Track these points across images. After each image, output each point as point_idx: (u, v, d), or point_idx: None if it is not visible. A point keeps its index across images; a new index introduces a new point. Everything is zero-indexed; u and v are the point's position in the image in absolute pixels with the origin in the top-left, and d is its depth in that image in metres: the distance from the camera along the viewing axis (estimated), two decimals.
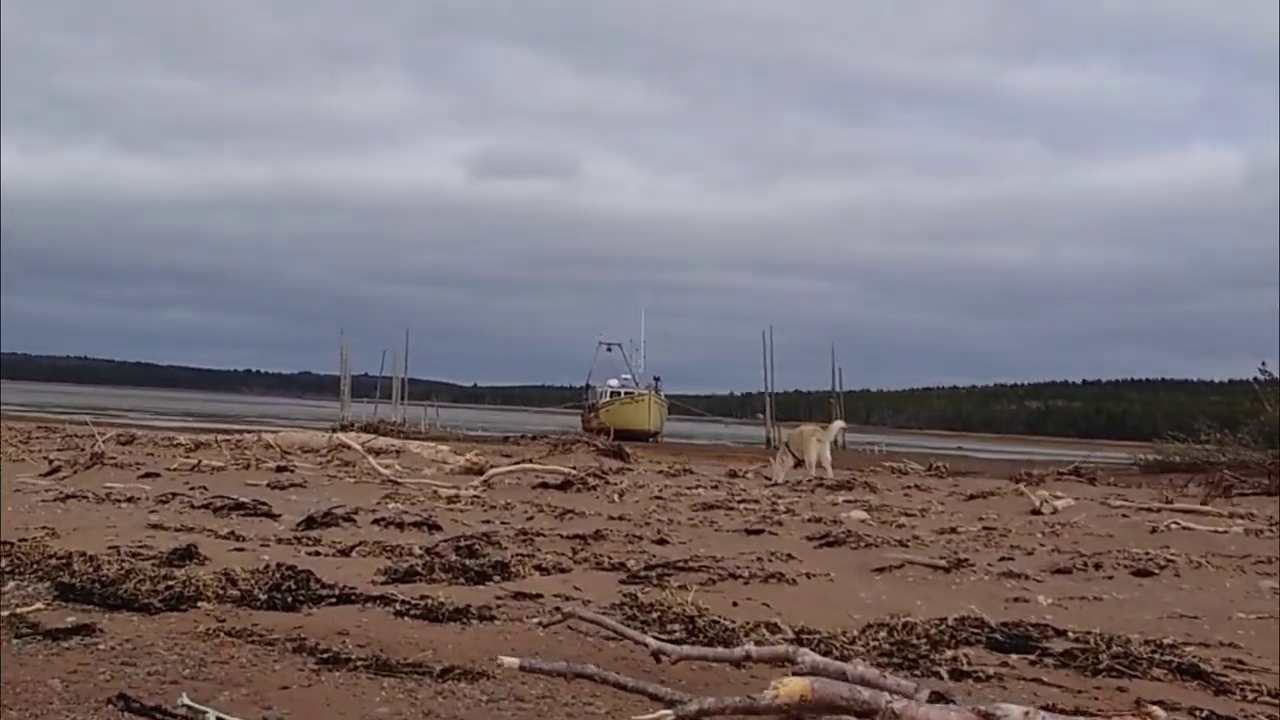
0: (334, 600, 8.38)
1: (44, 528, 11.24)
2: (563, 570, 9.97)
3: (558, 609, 7.69)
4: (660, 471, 23.57)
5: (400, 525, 12.35)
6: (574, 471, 16.70)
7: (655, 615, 8.18)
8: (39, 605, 7.84)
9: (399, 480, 16.62)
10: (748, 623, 7.87)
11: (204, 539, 11.08)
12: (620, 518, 13.54)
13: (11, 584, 8.39)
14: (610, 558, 10.56)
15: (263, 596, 8.30)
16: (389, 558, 10.37)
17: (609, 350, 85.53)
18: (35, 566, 8.81)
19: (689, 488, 18.57)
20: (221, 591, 8.33)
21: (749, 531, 12.76)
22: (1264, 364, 56.88)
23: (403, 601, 8.27)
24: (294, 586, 8.74)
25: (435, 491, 15.33)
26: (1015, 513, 15.80)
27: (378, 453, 22.06)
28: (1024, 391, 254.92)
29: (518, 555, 10.22)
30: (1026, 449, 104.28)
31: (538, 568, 9.88)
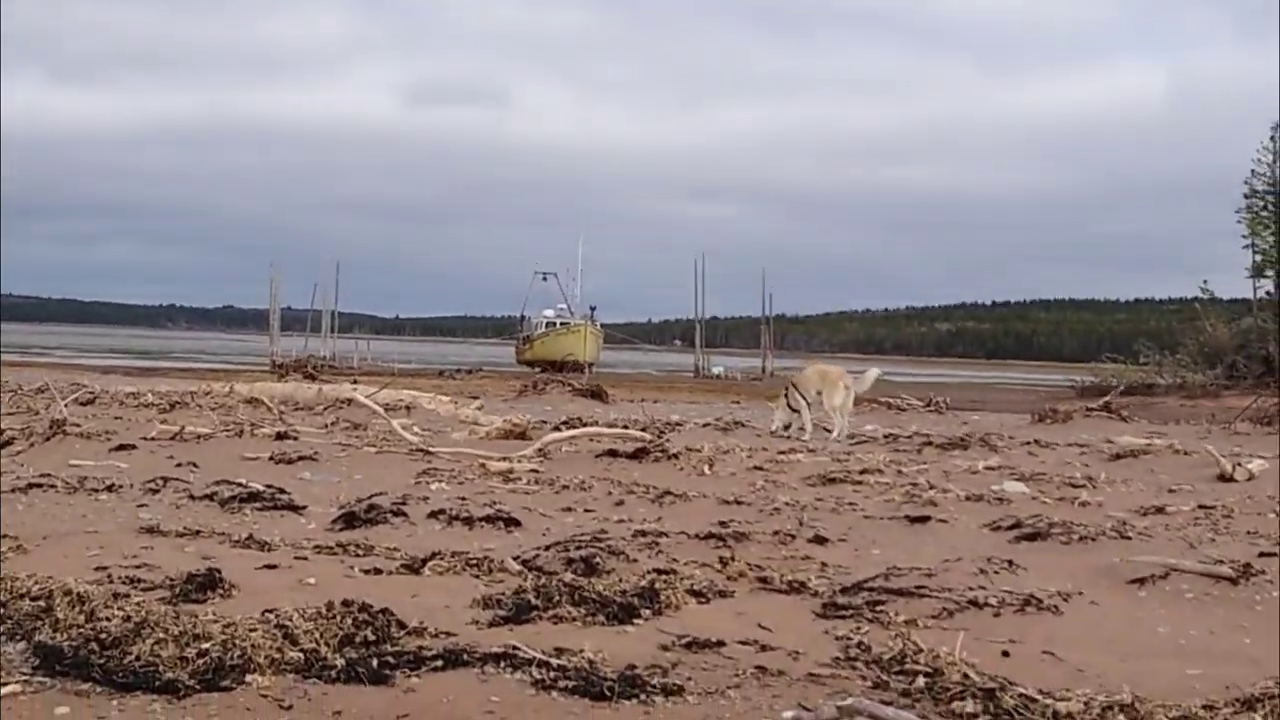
0: (437, 660, 6.06)
1: (4, 536, 8.87)
2: (723, 594, 7.65)
3: (753, 669, 5.42)
4: (708, 425, 21.20)
5: (467, 520, 10.00)
6: (645, 436, 14.36)
7: (915, 681, 5.93)
8: (13, 686, 5.55)
9: (430, 449, 14.26)
10: (1067, 694, 5.59)
11: (220, 550, 8.75)
12: (736, 501, 11.22)
13: None
14: (774, 571, 8.25)
15: (337, 661, 5.97)
16: (477, 576, 8.06)
17: (544, 280, 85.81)
18: (0, 614, 6.44)
19: (759, 448, 16.26)
20: (277, 654, 6.00)
21: (910, 519, 10.47)
22: (1205, 282, 58.20)
23: (540, 664, 5.98)
24: (372, 637, 6.43)
25: (483, 465, 12.98)
26: (1196, 478, 13.58)
27: (385, 408, 19.66)
28: (935, 314, 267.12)
29: (655, 573, 7.89)
30: (937, 371, 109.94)
31: (692, 592, 7.56)
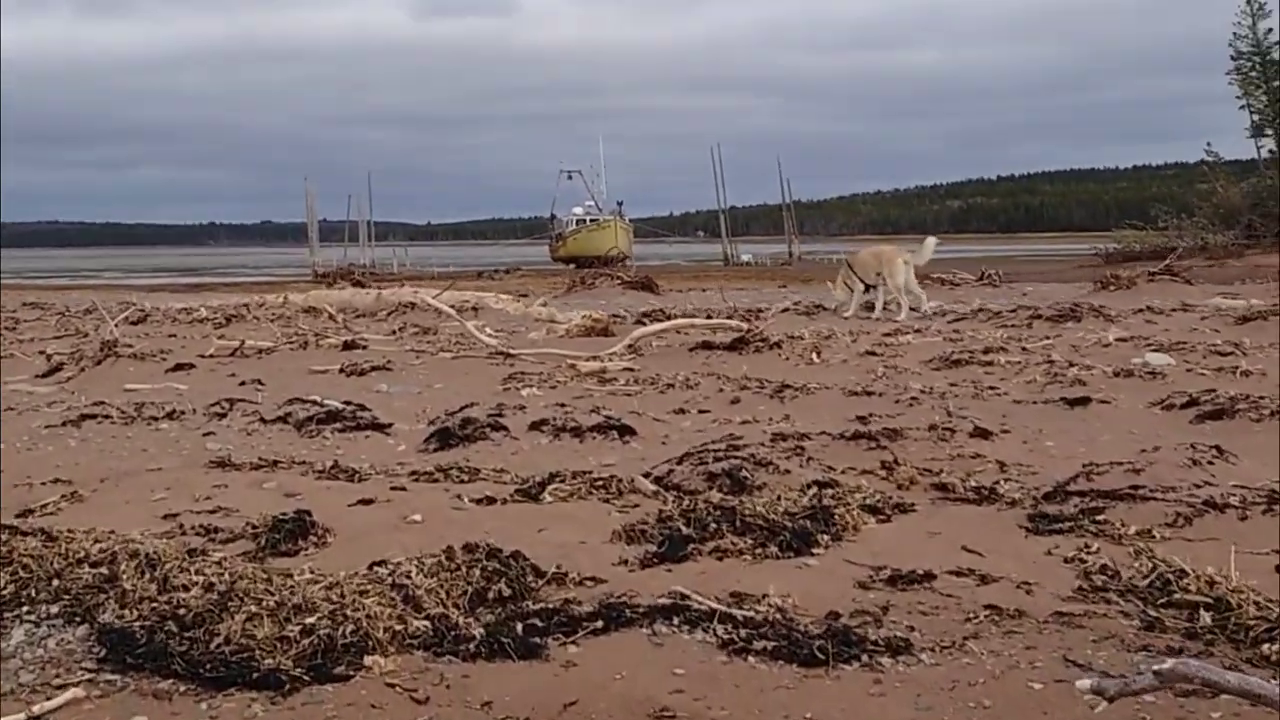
0: (594, 620, 4.77)
1: (57, 480, 7.63)
2: (901, 508, 6.31)
3: (984, 610, 4.16)
4: (786, 311, 19.75)
5: (575, 431, 8.67)
6: (740, 325, 12.93)
7: (1198, 617, 4.62)
8: (75, 691, 4.32)
9: (511, 351, 12.94)
10: None
11: (304, 484, 7.46)
12: (864, 391, 9.86)
13: (20, 632, 4.81)
14: (948, 474, 6.91)
15: (473, 629, 4.69)
16: (607, 500, 6.75)
17: (570, 178, 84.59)
18: (54, 585, 5.17)
19: (861, 331, 14.87)
20: (399, 625, 4.72)
21: (1068, 402, 9.08)
22: (1209, 144, 58.23)
23: (723, 618, 4.68)
24: (507, 591, 5.15)
25: (572, 366, 11.64)
26: None
27: (451, 309, 18.34)
28: (944, 191, 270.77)
29: (816, 486, 6.55)
30: (957, 247, 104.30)
31: (867, 509, 6.22)
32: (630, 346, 12.51)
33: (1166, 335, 13.45)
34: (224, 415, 9.82)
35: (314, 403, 9.77)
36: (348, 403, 9.93)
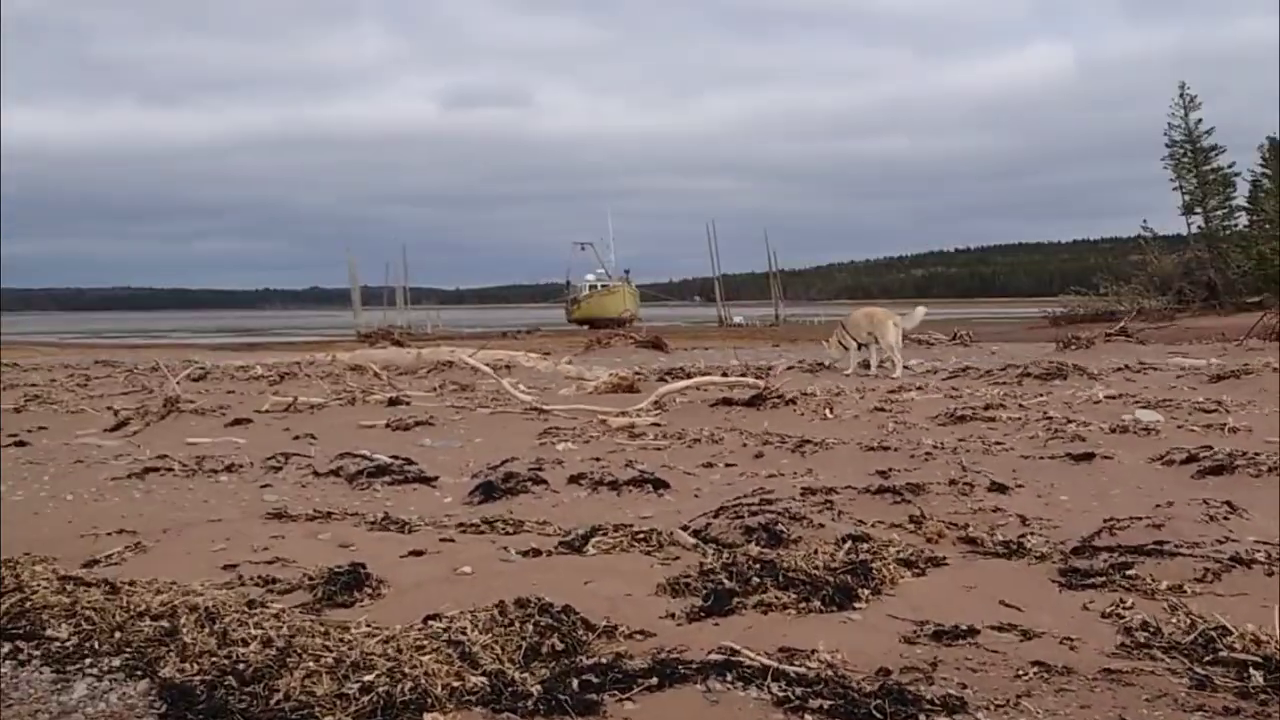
0: (649, 676, 4.33)
1: (122, 530, 7.20)
2: (935, 562, 5.86)
3: (1032, 666, 3.72)
4: (792, 368, 19.35)
5: (613, 485, 8.22)
6: (758, 383, 12.53)
7: (1249, 677, 4.17)
8: None
9: (545, 407, 12.52)
10: None
11: (357, 535, 7.01)
12: (880, 446, 9.39)
13: (83, 686, 4.39)
14: (974, 529, 6.46)
15: (530, 685, 4.26)
16: (649, 553, 6.30)
17: (582, 249, 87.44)
18: (117, 637, 4.76)
19: (866, 389, 14.44)
20: (456, 681, 4.29)
21: (1073, 458, 8.62)
22: (1145, 221, 61.38)
23: (776, 674, 4.25)
24: (560, 646, 4.71)
25: (603, 421, 11.22)
26: None
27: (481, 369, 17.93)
28: (909, 261, 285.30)
29: (850, 540, 6.11)
30: (927, 310, 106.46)
31: (903, 563, 5.77)
32: (656, 402, 12.09)
33: (1148, 392, 13.00)
34: (279, 468, 9.39)
35: (364, 457, 9.35)
36: (395, 457, 9.51)
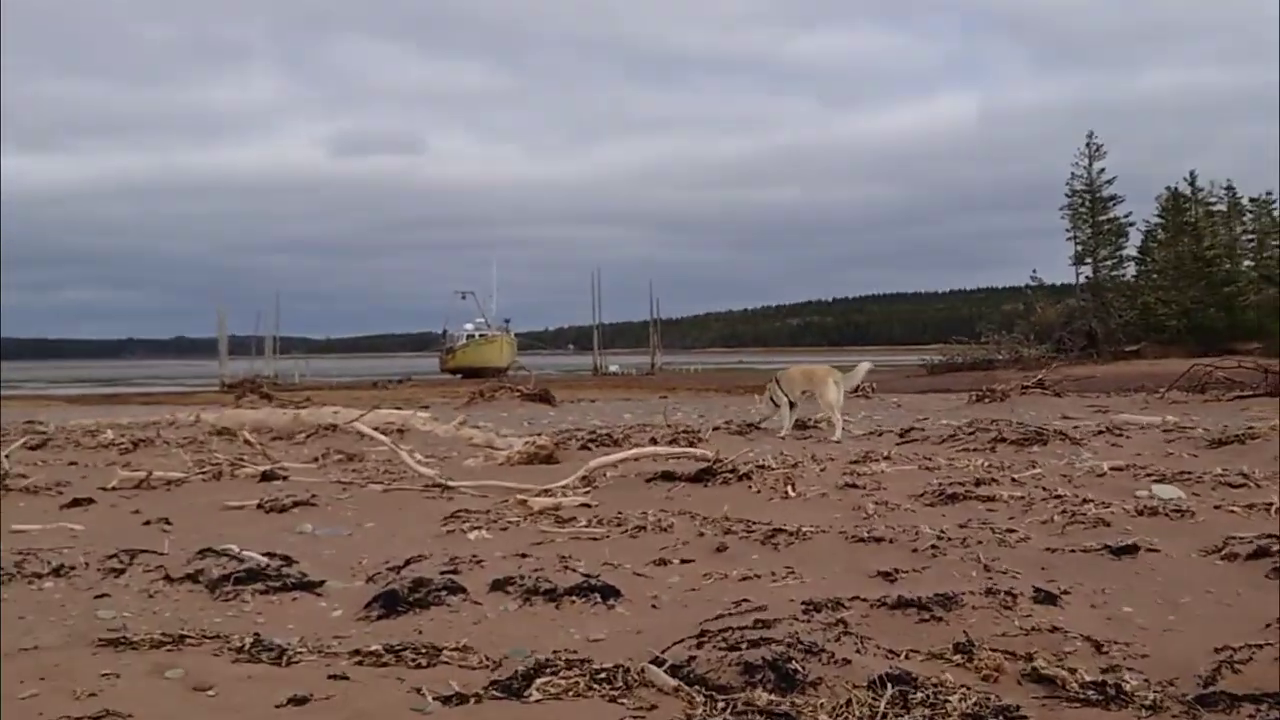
0: None
1: None
2: (1007, 713, 4.57)
3: None
4: (717, 430, 18.02)
5: (550, 594, 6.79)
6: (706, 454, 11.17)
7: None
8: None
9: (449, 484, 11.05)
10: None
11: (217, 669, 5.53)
12: (871, 538, 8.03)
13: None
14: (1032, 656, 5.18)
15: None
16: (615, 699, 4.91)
17: (464, 298, 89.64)
18: None
19: (823, 457, 13.18)
20: None
21: (1113, 551, 7.40)
22: (1034, 271, 65.28)
23: None
24: None
25: (523, 502, 9.79)
26: None
27: (376, 432, 16.34)
28: (786, 311, 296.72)
29: (889, 682, 4.79)
30: (793, 359, 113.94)
31: (969, 717, 4.46)
32: (585, 478, 10.69)
33: (1142, 459, 11.92)
34: (122, 570, 7.75)
35: (230, 555, 7.80)
36: (270, 554, 7.98)
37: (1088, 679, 4.85)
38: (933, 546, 7.60)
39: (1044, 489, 9.90)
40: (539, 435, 13.27)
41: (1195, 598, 6.35)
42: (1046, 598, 6.20)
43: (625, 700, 4.92)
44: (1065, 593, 6.41)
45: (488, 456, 12.88)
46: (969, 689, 4.79)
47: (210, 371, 68.52)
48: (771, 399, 17.72)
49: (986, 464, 11.42)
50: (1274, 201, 65.56)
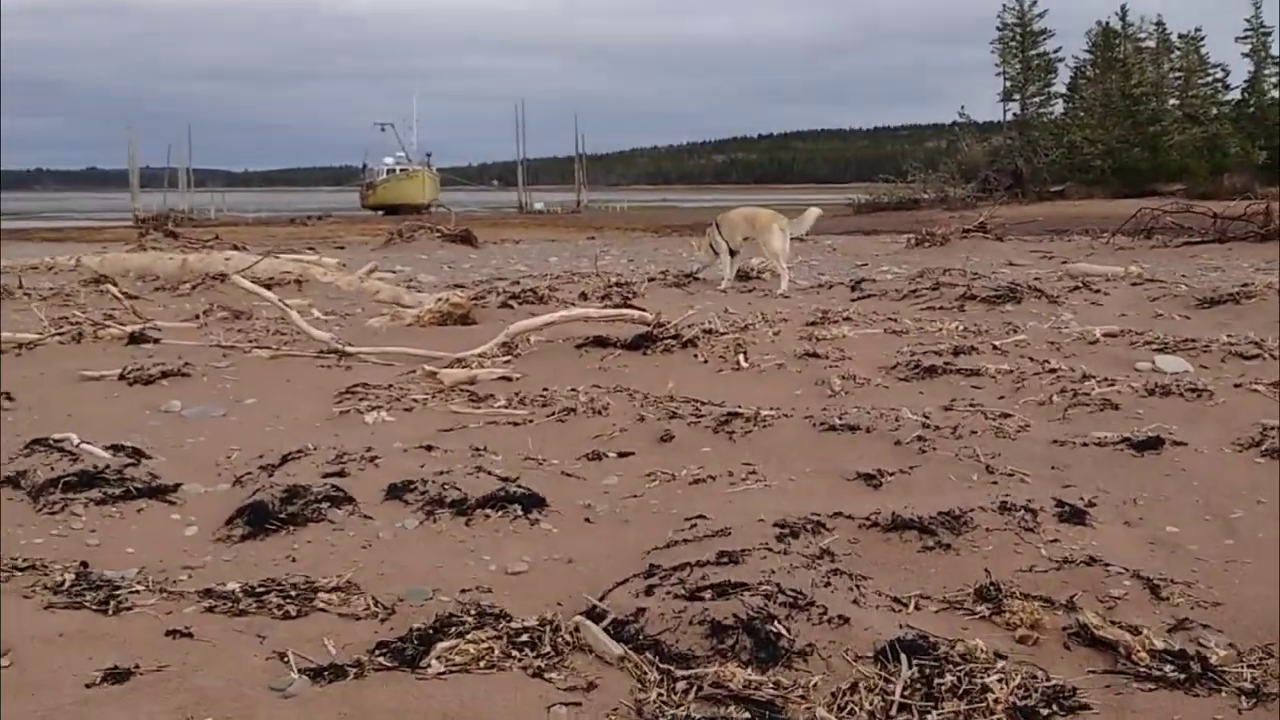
0: None
1: None
2: (1061, 699, 3.54)
3: None
4: (654, 281, 16.83)
5: (459, 505, 5.66)
6: (646, 317, 9.92)
7: None
8: None
9: (348, 350, 9.82)
10: None
11: (22, 617, 4.36)
12: (842, 424, 6.93)
13: None
14: (1073, 606, 4.16)
15: None
16: (536, 669, 3.82)
17: (383, 130, 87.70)
18: None
19: (772, 317, 12.07)
20: None
21: (1135, 447, 6.35)
22: (963, 108, 66.78)
23: None
24: None
25: (432, 375, 8.60)
26: None
27: (268, 285, 14.95)
28: (711, 147, 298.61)
29: (899, 650, 3.74)
30: (719, 197, 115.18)
31: (1017, 711, 3.43)
32: (506, 344, 9.51)
33: (1133, 320, 10.95)
34: None
35: (64, 450, 6.56)
36: (118, 447, 6.75)
37: (1156, 645, 3.82)
38: (919, 438, 6.52)
39: (1032, 359, 8.87)
40: (454, 291, 11.97)
41: (1248, 511, 5.35)
42: (1073, 514, 5.17)
43: (554, 675, 3.82)
44: (1092, 504, 5.38)
45: (394, 316, 11.60)
46: (1004, 661, 3.75)
47: (123, 205, 65.84)
48: (710, 246, 16.41)
49: (961, 327, 10.34)
50: (1202, 38, 66.16)
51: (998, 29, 65.92)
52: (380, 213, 67.09)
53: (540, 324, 9.75)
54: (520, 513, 5.61)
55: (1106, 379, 7.93)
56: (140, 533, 5.59)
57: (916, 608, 4.23)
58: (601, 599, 4.35)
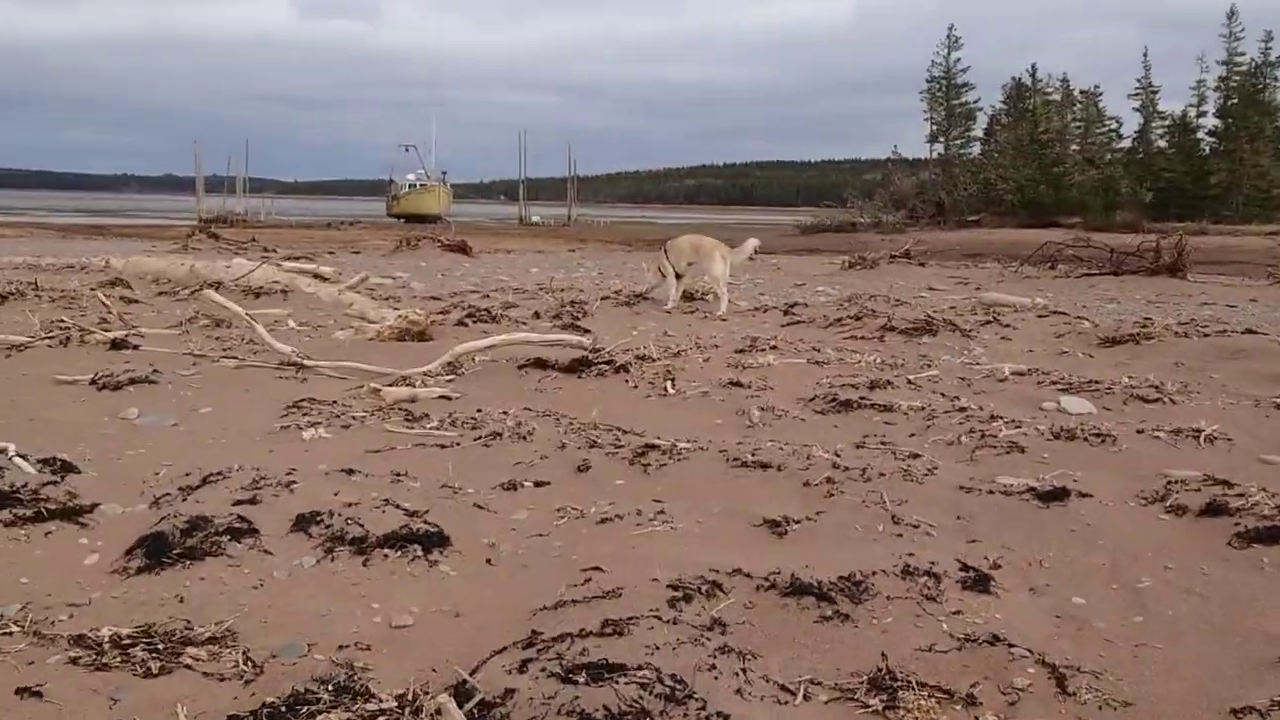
0: None
1: None
2: None
3: None
4: (607, 299, 15.88)
5: (360, 544, 4.75)
6: (583, 342, 8.99)
7: None
8: None
9: (306, 362, 8.89)
10: None
11: None
12: (753, 460, 6.05)
13: None
14: (946, 694, 3.29)
15: None
16: None
17: (406, 151, 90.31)
18: None
19: (705, 342, 11.20)
20: None
21: (1038, 496, 5.47)
22: (895, 147, 69.58)
23: None
24: None
25: (376, 390, 7.70)
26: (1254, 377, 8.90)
27: (257, 293, 13.96)
28: (684, 173, 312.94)
29: None
30: (688, 215, 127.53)
31: None
32: (451, 364, 8.60)
33: (1034, 358, 10.10)
34: None
35: None
36: (48, 461, 5.83)
37: None
38: (828, 480, 5.64)
39: (944, 394, 8.01)
40: (414, 309, 10.99)
41: (1156, 580, 4.48)
42: (977, 579, 4.29)
43: None
44: (996, 566, 4.51)
45: (359, 330, 10.65)
46: None
47: (192, 206, 65.78)
48: (659, 269, 15.52)
49: (879, 359, 9.45)
50: (1100, 94, 67.25)
51: (926, 81, 67.92)
52: (403, 220, 67.56)
53: (484, 346, 8.82)
54: (420, 553, 4.71)
55: (1013, 421, 7.04)
56: (41, 560, 4.67)
57: (806, 697, 3.35)
58: (473, 672, 3.46)
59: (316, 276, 18.18)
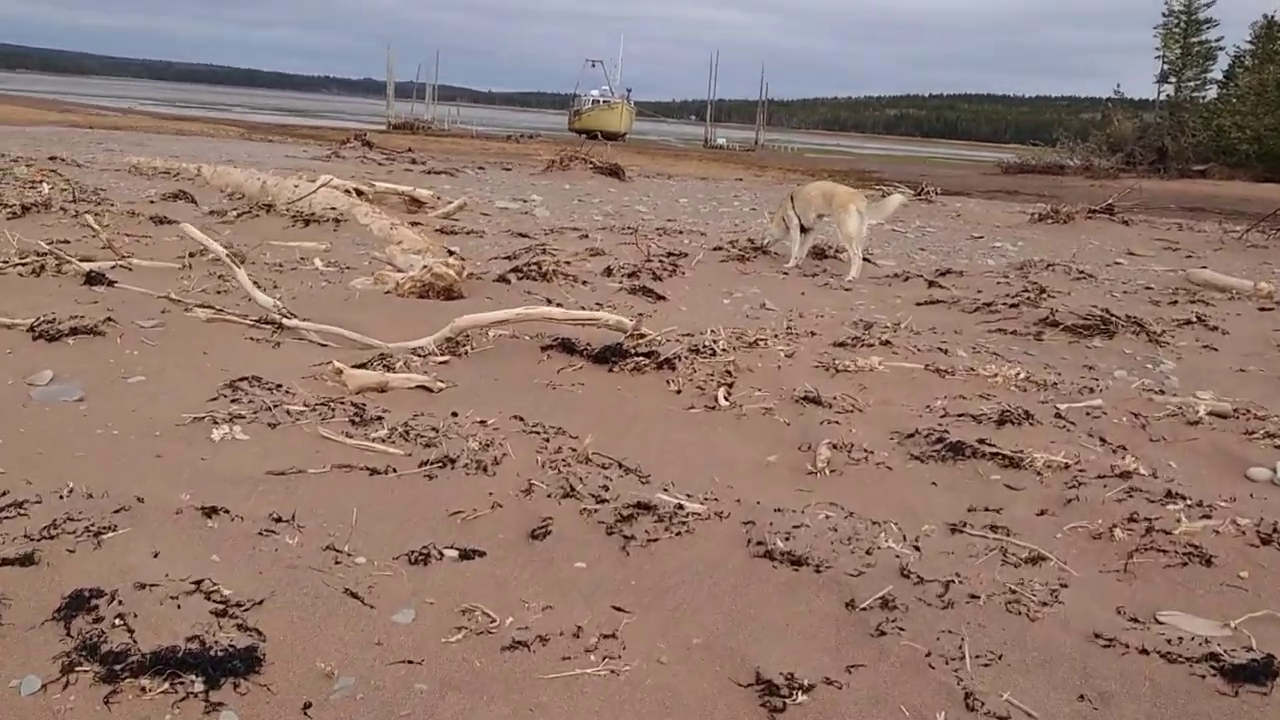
0: None
1: None
2: None
3: None
4: (719, 250, 13.94)
5: (118, 661, 3.18)
6: (624, 324, 7.28)
7: None
8: None
9: (286, 322, 7.38)
10: None
11: None
12: (780, 557, 4.27)
13: None
14: None
15: None
16: None
17: (593, 66, 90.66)
18: None
19: (800, 329, 9.35)
20: None
21: (1223, 672, 3.58)
22: (1119, 86, 64.86)
23: None
24: None
25: (339, 372, 6.15)
26: None
27: (307, 221, 12.58)
28: (885, 102, 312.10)
29: None
30: (886, 145, 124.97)
31: None
32: (450, 340, 7.00)
33: (1244, 382, 7.93)
34: None
35: None
36: None
37: None
38: (884, 602, 3.83)
39: (1103, 440, 6.01)
40: (446, 259, 9.31)
41: None
42: None
43: None
44: None
45: (378, 279, 9.10)
46: None
47: (383, 111, 67.96)
48: (783, 219, 13.44)
49: (1024, 373, 7.40)
50: None
51: (1164, 15, 63.14)
52: (584, 136, 67.54)
53: (490, 320, 7.13)
54: (199, 688, 3.13)
55: (1199, 504, 5.05)
56: None
57: None
58: None
59: (412, 200, 16.90)
